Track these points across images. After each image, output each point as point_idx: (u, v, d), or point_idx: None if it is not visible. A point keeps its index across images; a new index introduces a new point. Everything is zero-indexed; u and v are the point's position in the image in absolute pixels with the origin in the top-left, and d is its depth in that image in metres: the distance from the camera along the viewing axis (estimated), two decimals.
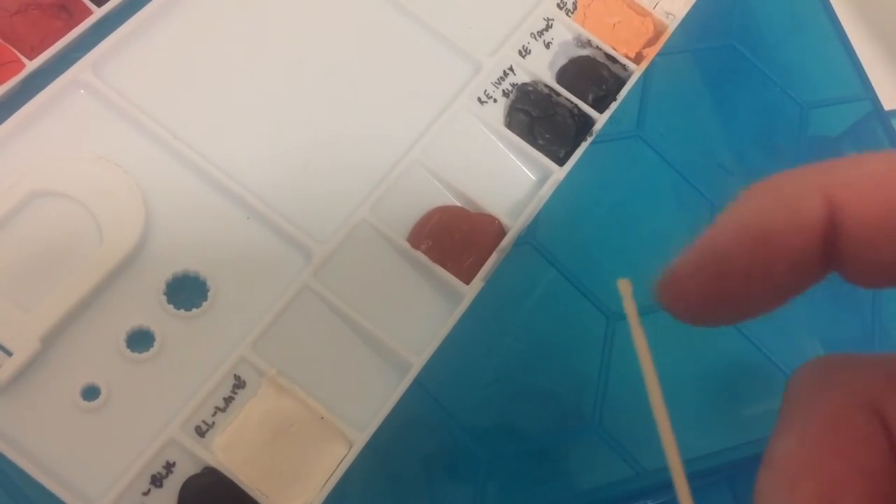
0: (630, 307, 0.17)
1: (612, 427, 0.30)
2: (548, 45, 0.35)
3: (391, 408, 0.28)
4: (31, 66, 0.30)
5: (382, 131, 0.32)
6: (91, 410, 0.26)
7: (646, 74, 0.36)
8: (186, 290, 0.28)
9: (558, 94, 0.34)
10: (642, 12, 0.37)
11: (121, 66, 0.31)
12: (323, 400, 0.28)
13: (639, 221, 0.34)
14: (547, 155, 0.33)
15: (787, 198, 0.15)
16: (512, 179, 0.33)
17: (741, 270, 0.15)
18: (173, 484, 0.26)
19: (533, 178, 0.33)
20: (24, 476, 0.25)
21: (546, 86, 0.34)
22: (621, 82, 0.35)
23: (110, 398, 0.27)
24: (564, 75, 0.35)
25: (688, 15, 0.37)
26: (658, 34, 0.36)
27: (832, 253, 0.15)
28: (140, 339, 0.28)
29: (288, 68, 0.33)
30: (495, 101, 0.34)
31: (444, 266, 0.30)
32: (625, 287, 0.17)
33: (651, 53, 0.36)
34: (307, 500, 0.26)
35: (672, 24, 0.36)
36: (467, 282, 0.30)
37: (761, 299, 0.15)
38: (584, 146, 0.33)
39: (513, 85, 0.34)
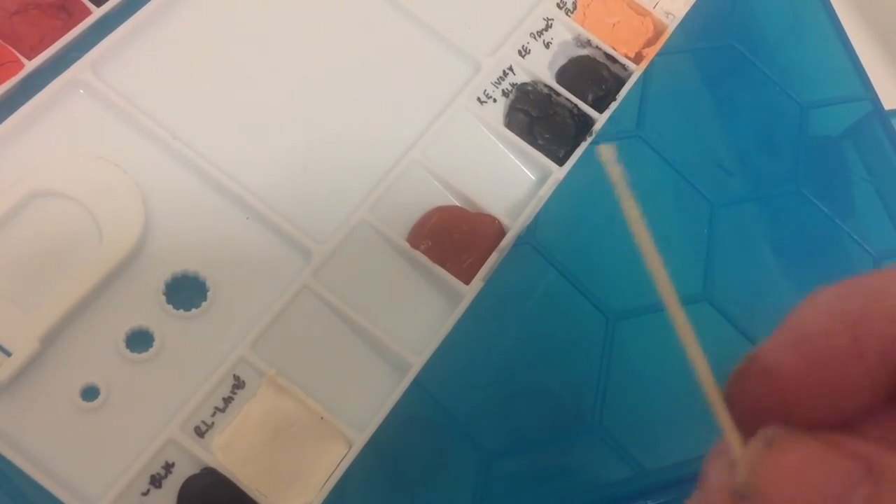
0: (616, 173, 0.16)
1: (612, 427, 0.30)
2: (547, 45, 0.35)
3: (391, 408, 0.28)
4: (30, 66, 0.30)
5: (382, 131, 0.32)
6: (90, 410, 0.26)
7: (646, 74, 0.36)
8: (186, 290, 0.28)
9: (558, 94, 0.34)
10: (642, 12, 0.37)
11: (120, 66, 0.31)
12: (322, 400, 0.28)
13: None
14: (547, 155, 0.33)
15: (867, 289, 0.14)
16: (512, 179, 0.33)
17: (837, 348, 0.14)
18: (172, 484, 0.26)
19: (533, 178, 0.33)
20: (23, 476, 0.25)
21: (546, 86, 0.34)
22: (621, 82, 0.35)
23: (109, 398, 0.27)
24: (564, 75, 0.35)
25: (688, 15, 0.37)
26: (658, 34, 0.36)
27: None
28: (139, 340, 0.27)
29: (287, 68, 0.32)
30: (495, 101, 0.34)
31: (443, 266, 0.30)
32: (607, 152, 0.16)
33: (651, 53, 0.36)
34: (307, 500, 0.26)
35: (672, 24, 0.36)
36: (467, 282, 0.30)
37: (853, 390, 0.14)
38: (583, 146, 0.33)
39: (512, 85, 0.34)
